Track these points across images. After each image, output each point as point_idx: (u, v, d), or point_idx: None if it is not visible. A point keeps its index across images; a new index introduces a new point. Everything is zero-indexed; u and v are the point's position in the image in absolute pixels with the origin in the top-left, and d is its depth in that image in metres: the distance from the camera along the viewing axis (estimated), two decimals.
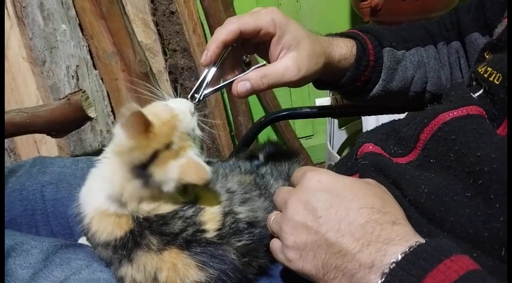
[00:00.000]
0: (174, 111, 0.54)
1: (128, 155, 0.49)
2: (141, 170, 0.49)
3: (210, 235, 0.50)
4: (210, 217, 0.51)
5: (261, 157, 0.73)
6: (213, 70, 0.60)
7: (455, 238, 0.43)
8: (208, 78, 0.60)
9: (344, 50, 0.67)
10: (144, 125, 0.49)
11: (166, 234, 0.50)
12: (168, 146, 0.51)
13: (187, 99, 0.60)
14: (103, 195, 0.52)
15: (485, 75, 0.53)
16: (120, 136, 0.50)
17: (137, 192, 0.50)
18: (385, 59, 0.70)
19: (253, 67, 0.60)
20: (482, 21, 0.69)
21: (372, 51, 0.69)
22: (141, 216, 0.51)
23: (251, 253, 0.53)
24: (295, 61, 0.59)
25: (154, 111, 0.53)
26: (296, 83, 0.61)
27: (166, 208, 0.51)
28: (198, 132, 0.56)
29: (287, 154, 0.71)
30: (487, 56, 0.60)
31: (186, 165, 0.50)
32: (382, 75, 0.71)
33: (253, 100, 1.74)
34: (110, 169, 0.52)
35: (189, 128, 0.54)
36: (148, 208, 0.51)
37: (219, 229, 0.51)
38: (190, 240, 0.50)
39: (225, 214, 0.52)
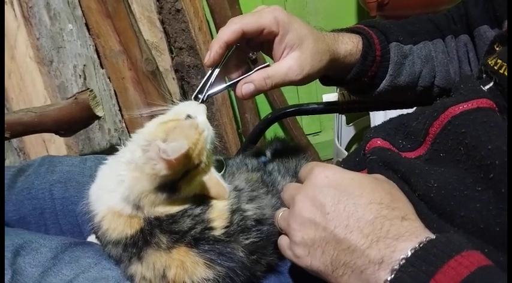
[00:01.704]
0: (199, 127, 0.54)
1: (161, 177, 0.50)
2: (169, 186, 0.51)
3: (217, 232, 0.50)
4: (218, 215, 0.51)
5: (268, 154, 0.73)
6: (217, 70, 0.60)
7: (466, 233, 0.43)
8: (212, 78, 0.60)
9: (350, 45, 0.67)
10: (187, 159, 0.51)
11: (176, 232, 0.50)
12: (197, 165, 0.52)
13: (191, 99, 0.60)
14: (118, 197, 0.52)
15: (495, 68, 0.52)
16: (158, 165, 0.49)
17: (159, 201, 0.51)
18: (392, 54, 0.69)
19: (257, 68, 0.60)
20: (492, 13, 0.68)
21: (379, 46, 0.69)
22: (153, 216, 0.51)
23: (259, 251, 0.53)
24: (298, 60, 0.59)
25: (180, 125, 0.54)
26: (300, 81, 0.61)
27: (176, 207, 0.52)
28: (214, 141, 0.57)
29: (294, 151, 0.70)
30: (497, 48, 0.59)
31: (208, 182, 0.53)
32: (389, 70, 0.70)
33: (260, 97, 1.74)
34: (131, 177, 0.52)
35: (211, 140, 0.55)
36: (162, 210, 0.51)
37: (226, 227, 0.51)
38: (198, 238, 0.50)
39: (233, 212, 0.52)
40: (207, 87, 0.60)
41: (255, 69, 0.60)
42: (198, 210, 0.52)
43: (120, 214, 0.52)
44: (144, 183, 0.50)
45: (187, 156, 0.50)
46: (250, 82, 0.59)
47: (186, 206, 0.52)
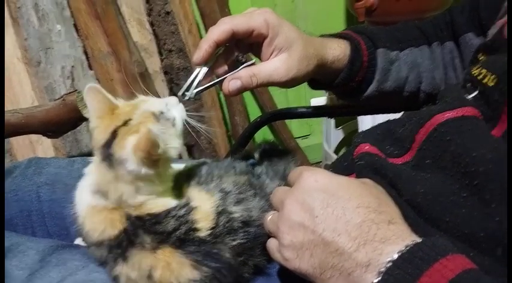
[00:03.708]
0: (145, 98, 0.56)
1: (94, 136, 0.52)
2: (106, 150, 0.51)
3: (203, 234, 0.51)
4: (203, 216, 0.52)
5: (257, 156, 0.73)
6: (205, 69, 0.60)
7: (451, 238, 0.44)
8: (200, 77, 0.60)
9: (337, 51, 0.68)
10: (109, 108, 0.53)
11: (160, 233, 0.50)
12: (126, 123, 0.52)
13: (178, 96, 0.60)
14: (89, 191, 0.53)
15: (479, 77, 0.53)
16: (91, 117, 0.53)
17: (107, 175, 0.51)
18: (378, 60, 0.71)
19: (243, 65, 0.60)
20: (477, 21, 0.69)
21: (366, 52, 0.70)
22: (133, 215, 0.51)
23: (246, 253, 0.53)
24: (284, 62, 0.60)
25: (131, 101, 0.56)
26: (285, 83, 0.61)
27: (158, 207, 0.52)
28: (179, 121, 0.55)
29: (283, 154, 0.71)
30: (481, 58, 0.60)
31: (139, 138, 0.50)
32: (376, 75, 0.71)
33: (249, 100, 1.74)
34: (93, 164, 0.54)
35: (156, 109, 0.54)
36: (132, 201, 0.51)
37: (212, 228, 0.51)
38: (183, 239, 0.50)
39: (219, 214, 0.52)
40: (194, 85, 0.60)
41: (241, 67, 0.60)
42: (182, 212, 0.52)
43: (98, 210, 0.52)
44: (95, 162, 0.53)
45: (111, 109, 0.54)
46: (237, 78, 0.59)
47: (169, 207, 0.52)
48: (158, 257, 0.49)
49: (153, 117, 0.53)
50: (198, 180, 0.58)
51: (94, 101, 0.54)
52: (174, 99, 0.57)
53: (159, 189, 0.53)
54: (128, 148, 0.49)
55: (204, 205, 0.53)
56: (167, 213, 0.51)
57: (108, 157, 0.51)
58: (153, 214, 0.51)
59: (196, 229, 0.51)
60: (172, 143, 0.54)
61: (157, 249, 0.50)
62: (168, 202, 0.54)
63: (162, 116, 0.54)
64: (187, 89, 0.60)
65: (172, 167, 0.58)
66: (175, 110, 0.56)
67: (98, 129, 0.53)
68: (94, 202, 0.52)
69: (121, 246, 0.50)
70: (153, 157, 0.49)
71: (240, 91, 0.60)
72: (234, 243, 0.52)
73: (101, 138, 0.52)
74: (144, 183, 0.52)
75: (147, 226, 0.50)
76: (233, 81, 0.59)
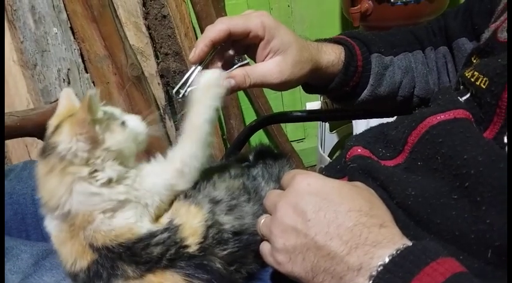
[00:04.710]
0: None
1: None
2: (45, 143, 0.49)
3: (192, 249, 0.49)
4: (191, 232, 0.50)
5: (252, 159, 0.73)
6: (200, 68, 0.60)
7: (442, 240, 0.44)
8: (194, 75, 0.60)
9: (332, 56, 0.68)
10: (68, 110, 0.51)
11: (143, 263, 0.48)
12: (71, 116, 0.49)
13: (172, 94, 0.60)
14: (48, 217, 0.50)
15: (472, 79, 0.54)
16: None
17: (41, 171, 0.48)
18: (373, 65, 0.71)
19: (238, 64, 0.61)
20: (470, 26, 0.70)
21: (360, 57, 0.70)
22: (99, 244, 0.47)
23: (239, 261, 0.52)
24: (278, 65, 0.61)
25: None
26: (278, 85, 0.62)
27: (122, 229, 0.48)
28: (130, 128, 0.52)
29: (278, 157, 0.71)
30: (474, 61, 0.61)
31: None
32: (370, 80, 0.72)
33: (245, 104, 1.75)
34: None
35: (107, 109, 0.52)
36: (64, 209, 0.47)
37: (201, 242, 0.49)
38: (173, 259, 0.48)
39: (208, 227, 0.51)
40: (189, 83, 0.60)
41: (235, 66, 0.61)
42: (165, 235, 0.49)
43: (62, 240, 0.48)
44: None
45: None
46: (231, 78, 0.59)
47: (142, 235, 0.48)
48: (150, 279, 0.47)
49: (102, 111, 0.50)
50: (185, 194, 0.55)
51: (61, 103, 0.53)
52: (135, 116, 0.55)
53: (98, 200, 0.48)
54: (64, 130, 0.47)
55: (191, 220, 0.51)
56: (145, 245, 0.48)
57: (45, 150, 0.48)
58: (124, 245, 0.47)
59: (186, 246, 0.49)
60: (114, 133, 0.50)
61: (145, 274, 0.47)
62: (132, 223, 0.49)
63: (111, 114, 0.51)
64: (182, 87, 0.60)
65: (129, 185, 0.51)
66: (131, 119, 0.54)
67: (49, 128, 0.50)
68: (54, 228, 0.49)
69: (101, 277, 0.48)
70: (90, 128, 0.46)
71: (234, 90, 0.60)
72: (224, 252, 0.51)
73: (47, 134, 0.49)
74: (75, 176, 0.47)
75: (125, 257, 0.47)
76: (227, 80, 0.60)
